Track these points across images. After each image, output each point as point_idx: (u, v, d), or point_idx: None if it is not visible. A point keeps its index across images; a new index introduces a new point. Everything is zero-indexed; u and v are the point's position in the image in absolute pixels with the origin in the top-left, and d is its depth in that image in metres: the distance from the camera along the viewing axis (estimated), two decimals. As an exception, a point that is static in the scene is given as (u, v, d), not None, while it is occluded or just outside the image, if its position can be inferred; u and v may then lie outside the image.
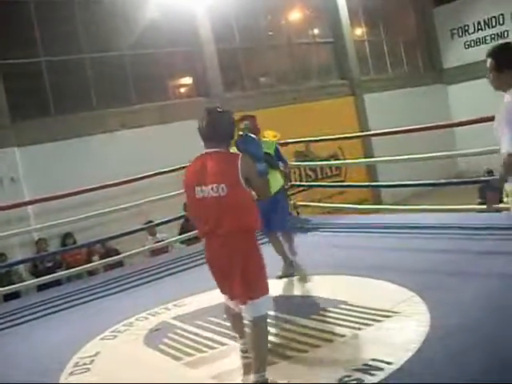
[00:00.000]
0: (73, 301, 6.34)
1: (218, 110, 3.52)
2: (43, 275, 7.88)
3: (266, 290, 3.35)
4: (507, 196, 11.96)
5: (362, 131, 14.72)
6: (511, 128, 3.00)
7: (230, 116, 3.51)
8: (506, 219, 6.51)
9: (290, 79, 15.21)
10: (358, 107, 16.28)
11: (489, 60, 3.28)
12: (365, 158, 14.43)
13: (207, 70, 13.09)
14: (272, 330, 4.26)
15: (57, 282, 7.81)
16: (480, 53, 17.74)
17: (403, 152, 7.55)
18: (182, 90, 13.91)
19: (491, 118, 6.29)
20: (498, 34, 17.63)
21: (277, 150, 5.93)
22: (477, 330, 3.57)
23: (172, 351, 4.28)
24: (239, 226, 3.28)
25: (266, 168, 3.70)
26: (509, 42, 3.24)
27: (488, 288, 4.28)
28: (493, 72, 3.25)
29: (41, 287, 7.74)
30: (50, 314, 6.03)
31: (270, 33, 15.47)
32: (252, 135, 3.81)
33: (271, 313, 4.59)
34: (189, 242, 8.76)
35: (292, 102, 14.05)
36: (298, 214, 8.55)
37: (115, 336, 4.85)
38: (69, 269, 8.21)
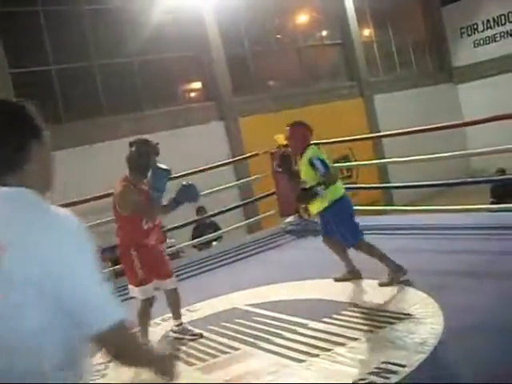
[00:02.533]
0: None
1: (135, 143, 4.55)
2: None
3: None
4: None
5: (372, 132, 14.68)
6: None
7: (138, 149, 4.47)
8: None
9: (299, 82, 15.19)
10: (367, 108, 16.24)
11: None
12: (376, 159, 14.38)
13: (216, 74, 13.11)
14: (285, 333, 4.26)
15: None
16: (489, 51, 17.84)
17: (414, 152, 7.52)
18: (192, 94, 13.95)
19: (502, 117, 6.32)
20: (507, 31, 17.50)
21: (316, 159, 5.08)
22: (491, 331, 3.55)
23: (185, 357, 4.28)
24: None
25: (160, 196, 4.34)
26: None
27: (502, 289, 4.25)
28: None
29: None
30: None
31: (279, 36, 15.47)
32: (160, 167, 4.40)
33: (284, 316, 4.60)
34: (200, 246, 8.79)
35: (302, 104, 14.02)
36: (309, 216, 8.53)
37: None
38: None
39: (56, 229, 1.48)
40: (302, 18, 16.11)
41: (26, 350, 1.42)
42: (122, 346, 1.53)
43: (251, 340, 4.31)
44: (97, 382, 4.01)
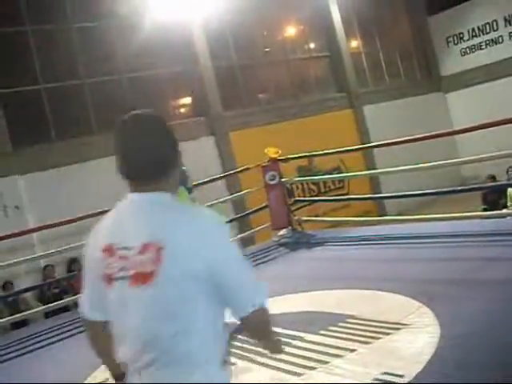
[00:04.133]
0: (81, 326, 6.31)
1: None
2: (51, 302, 7.88)
3: None
4: (510, 200, 11.99)
5: (363, 143, 14.73)
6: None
7: None
8: (509, 225, 6.51)
9: (288, 95, 15.26)
10: (357, 119, 16.32)
11: None
12: (367, 169, 14.42)
13: (205, 89, 13.15)
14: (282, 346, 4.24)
15: (64, 309, 7.80)
16: (476, 59, 17.99)
17: (405, 161, 7.55)
18: (182, 110, 13.97)
19: (491, 124, 6.37)
20: (492, 39, 17.71)
21: None
22: (487, 338, 3.55)
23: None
24: None
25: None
26: None
27: (497, 296, 4.26)
28: None
29: (48, 314, 7.74)
30: (58, 340, 6.02)
31: (267, 49, 15.55)
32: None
33: (280, 330, 4.59)
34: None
35: (292, 117, 14.09)
36: (302, 229, 8.54)
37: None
38: (76, 294, 8.19)
39: (212, 230, 1.69)
40: (290, 31, 16.21)
41: (182, 334, 1.65)
42: (266, 322, 1.79)
43: (247, 354, 4.29)
44: None
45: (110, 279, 1.74)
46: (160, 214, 1.70)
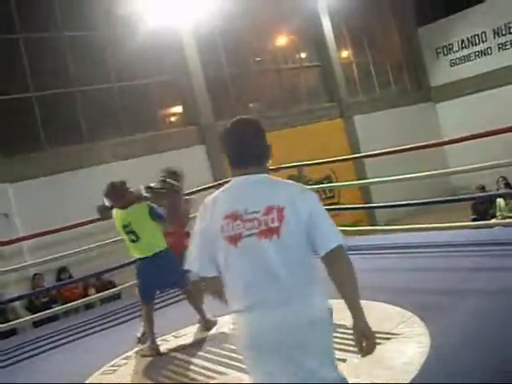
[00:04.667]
0: (70, 336, 6.30)
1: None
2: (39, 311, 7.83)
3: None
4: (500, 210, 12.03)
5: (354, 153, 14.78)
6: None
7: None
8: (499, 235, 6.55)
9: (279, 104, 15.31)
10: (348, 129, 16.37)
11: None
12: (358, 179, 14.46)
13: (196, 98, 13.17)
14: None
15: (53, 318, 7.76)
16: (465, 70, 18.10)
17: (396, 171, 7.59)
18: (173, 119, 13.97)
19: (480, 135, 6.42)
20: (481, 51, 17.86)
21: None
22: (477, 348, 3.56)
23: (173, 382, 4.24)
24: None
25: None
26: None
27: (485, 304, 4.28)
28: None
29: (37, 323, 7.69)
30: (47, 350, 5.98)
31: (258, 59, 15.61)
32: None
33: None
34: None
35: (283, 126, 14.10)
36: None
37: (115, 370, 4.81)
38: (65, 303, 8.15)
39: (306, 192, 2.36)
40: (281, 41, 16.28)
41: (297, 275, 2.26)
42: (345, 256, 2.33)
43: (238, 365, 4.28)
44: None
45: (236, 238, 2.28)
46: (272, 187, 2.36)
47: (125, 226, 5.05)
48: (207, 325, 5.29)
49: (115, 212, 5.17)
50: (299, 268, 2.28)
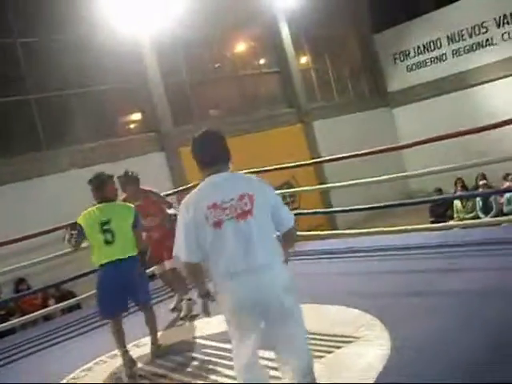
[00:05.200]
0: (28, 349, 6.17)
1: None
2: (-4, 324, 7.62)
3: None
4: (457, 212, 12.23)
5: (314, 158, 14.88)
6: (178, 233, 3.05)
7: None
8: (457, 236, 6.67)
9: (239, 110, 15.31)
10: (307, 134, 16.47)
11: None
12: (318, 184, 14.56)
13: (156, 105, 13.08)
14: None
15: (11, 331, 7.57)
16: (422, 76, 18.50)
17: (355, 176, 7.66)
18: (132, 126, 13.83)
19: (436, 138, 6.54)
20: (436, 57, 18.23)
21: None
22: (437, 350, 3.61)
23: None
24: None
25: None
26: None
27: (446, 305, 4.35)
28: None
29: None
30: (5, 364, 5.85)
31: (217, 65, 15.61)
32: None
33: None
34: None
35: (243, 132, 14.10)
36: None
37: (75, 383, 4.72)
38: (24, 315, 7.96)
39: (267, 184, 3.11)
40: (240, 47, 16.31)
41: (268, 244, 2.94)
42: (295, 234, 3.19)
43: (198, 372, 4.26)
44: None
45: (219, 223, 2.88)
46: (240, 179, 3.08)
47: (103, 224, 4.66)
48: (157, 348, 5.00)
49: (89, 210, 4.81)
50: (270, 241, 2.96)
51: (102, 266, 4.73)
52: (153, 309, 5.07)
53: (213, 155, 3.04)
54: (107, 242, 4.65)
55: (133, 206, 4.99)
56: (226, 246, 2.86)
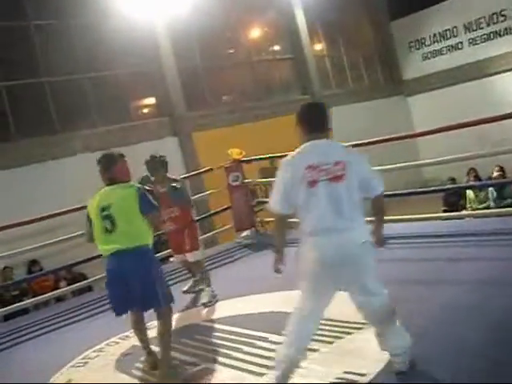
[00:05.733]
0: (41, 329, 6.23)
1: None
2: (9, 304, 7.72)
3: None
4: (470, 202, 12.15)
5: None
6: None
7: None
8: (469, 226, 6.64)
9: (252, 96, 15.27)
10: (321, 121, 16.40)
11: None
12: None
13: (169, 89, 13.08)
14: (244, 347, 4.25)
15: (24, 311, 7.66)
16: (437, 64, 18.31)
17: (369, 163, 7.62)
18: (146, 110, 13.85)
19: (450, 127, 6.49)
20: (452, 45, 18.04)
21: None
22: (448, 337, 3.61)
23: (144, 375, 4.22)
24: None
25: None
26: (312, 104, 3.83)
27: (458, 294, 4.35)
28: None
29: (7, 317, 7.58)
30: (18, 343, 5.92)
31: (231, 51, 15.55)
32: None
33: (244, 330, 4.59)
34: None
35: (255, 118, 14.10)
36: (265, 230, 8.56)
37: (86, 363, 4.77)
38: (36, 296, 8.05)
39: (360, 154, 3.37)
40: (255, 33, 16.23)
41: (355, 208, 3.21)
42: (383, 202, 3.46)
43: (211, 356, 4.28)
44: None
45: (314, 182, 3.15)
46: (339, 148, 3.35)
47: (103, 209, 4.00)
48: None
49: (93, 195, 4.22)
50: (356, 205, 3.21)
51: (106, 258, 4.09)
52: (168, 316, 4.13)
53: (317, 123, 3.35)
54: (106, 231, 3.97)
55: (138, 185, 4.20)
56: (318, 204, 3.15)
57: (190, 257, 5.92)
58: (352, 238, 3.16)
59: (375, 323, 3.36)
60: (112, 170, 4.18)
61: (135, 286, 3.92)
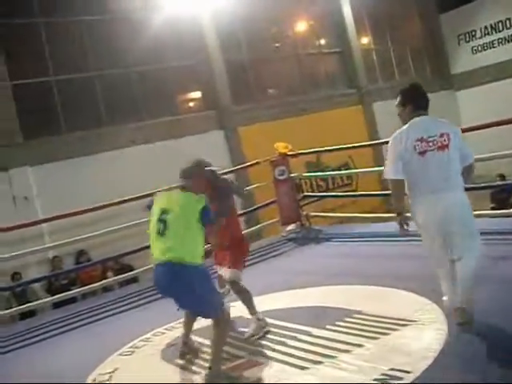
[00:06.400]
0: (89, 317, 6.37)
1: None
2: (58, 293, 7.92)
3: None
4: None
5: (372, 139, 14.67)
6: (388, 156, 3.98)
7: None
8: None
9: (298, 90, 15.22)
10: (366, 116, 16.24)
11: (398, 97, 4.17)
12: (376, 166, 14.37)
13: (215, 83, 13.14)
14: (288, 341, 4.26)
15: (72, 300, 7.84)
16: (488, 57, 17.87)
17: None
18: (191, 104, 13.95)
19: (501, 123, 6.34)
20: (505, 37, 17.56)
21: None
22: (494, 335, 3.55)
23: (190, 366, 4.28)
24: None
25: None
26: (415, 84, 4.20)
27: (504, 293, 4.26)
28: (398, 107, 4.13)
29: (56, 305, 7.79)
30: (66, 331, 6.06)
31: (277, 44, 15.51)
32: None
33: (288, 324, 4.59)
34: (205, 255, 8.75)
35: (301, 112, 14.06)
36: (310, 224, 8.55)
37: (133, 352, 4.86)
38: (83, 286, 8.24)
39: (457, 128, 3.98)
40: (301, 27, 16.15)
41: (457, 172, 3.84)
42: (473, 168, 4.06)
43: (255, 348, 4.31)
44: None
45: (424, 152, 3.77)
46: (441, 122, 3.94)
47: (162, 212, 3.96)
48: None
49: (160, 195, 4.31)
50: (458, 171, 3.82)
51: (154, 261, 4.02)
52: (224, 324, 4.00)
53: (421, 102, 3.97)
54: (159, 233, 3.91)
55: (204, 196, 4.05)
56: (429, 170, 3.77)
57: (226, 273, 4.92)
58: (455, 197, 3.78)
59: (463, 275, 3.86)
60: (192, 180, 4.19)
61: (184, 304, 4.01)
